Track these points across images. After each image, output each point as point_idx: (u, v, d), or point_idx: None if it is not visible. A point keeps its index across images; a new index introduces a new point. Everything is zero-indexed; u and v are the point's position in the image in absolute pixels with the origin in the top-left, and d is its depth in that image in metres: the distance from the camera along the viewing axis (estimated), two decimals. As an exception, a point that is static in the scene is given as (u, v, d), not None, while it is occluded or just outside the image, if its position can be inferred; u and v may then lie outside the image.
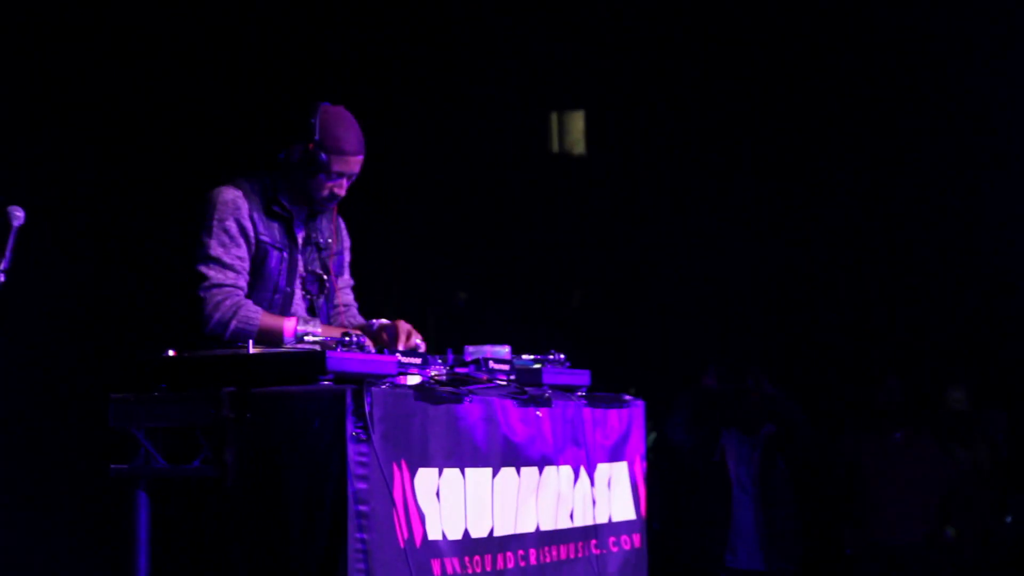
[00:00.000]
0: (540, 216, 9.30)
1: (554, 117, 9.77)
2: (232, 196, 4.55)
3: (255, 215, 4.57)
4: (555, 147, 9.76)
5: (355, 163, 4.62)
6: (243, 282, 4.53)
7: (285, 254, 4.64)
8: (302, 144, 4.58)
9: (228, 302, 4.45)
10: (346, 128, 4.61)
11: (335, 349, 4.03)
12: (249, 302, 4.50)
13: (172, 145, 7.62)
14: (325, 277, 4.77)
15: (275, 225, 4.63)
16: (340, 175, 4.61)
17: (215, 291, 4.46)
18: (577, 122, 9.79)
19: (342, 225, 4.89)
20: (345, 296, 4.92)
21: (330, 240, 4.79)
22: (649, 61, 9.21)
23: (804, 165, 9.13)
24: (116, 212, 7.43)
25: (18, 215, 4.25)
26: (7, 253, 4.19)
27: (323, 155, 4.56)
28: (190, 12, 7.72)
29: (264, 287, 4.60)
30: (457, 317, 9.33)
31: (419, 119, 8.94)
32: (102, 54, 7.44)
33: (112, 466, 4.21)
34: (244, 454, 3.99)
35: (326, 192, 4.62)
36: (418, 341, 4.69)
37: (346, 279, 4.93)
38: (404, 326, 4.68)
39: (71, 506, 7.17)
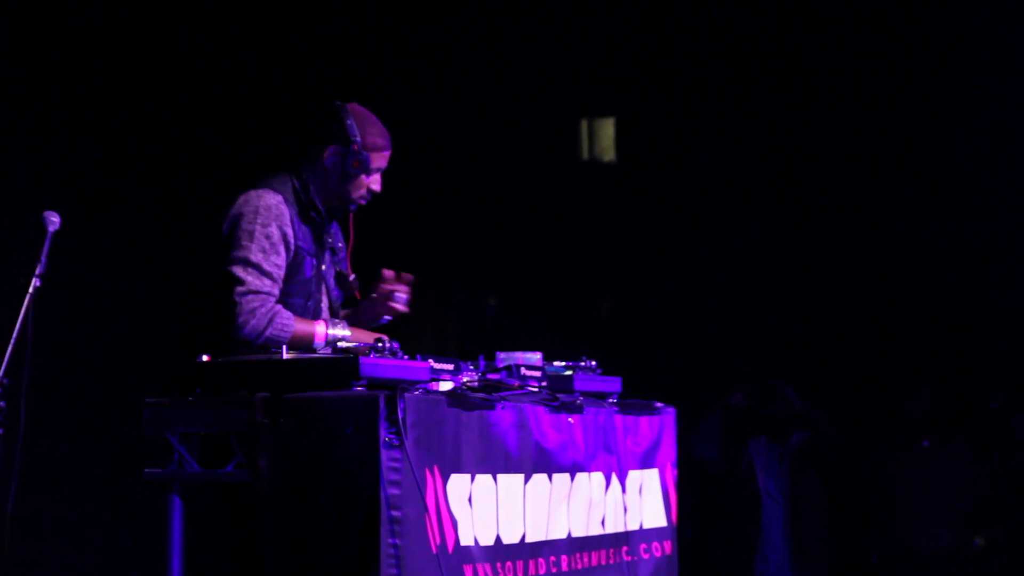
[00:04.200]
0: (570, 223, 9.30)
1: (584, 124, 9.77)
2: (275, 201, 4.54)
3: (295, 221, 4.59)
4: (585, 154, 9.76)
5: (388, 156, 4.70)
6: (277, 290, 4.52)
7: (315, 260, 4.67)
8: (339, 146, 4.61)
9: (263, 309, 4.45)
10: (376, 124, 4.69)
11: (368, 355, 4.04)
12: (283, 309, 4.50)
13: (203, 148, 7.66)
14: (352, 278, 4.81)
15: (308, 230, 4.65)
16: (378, 170, 4.67)
17: (251, 297, 4.44)
18: (607, 129, 9.78)
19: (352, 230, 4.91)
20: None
21: (340, 244, 4.83)
22: (680, 68, 9.20)
23: (837, 175, 9.10)
24: (152, 216, 7.47)
25: (53, 220, 4.28)
26: (43, 258, 4.22)
27: (365, 154, 4.60)
28: (213, 22, 7.77)
29: (299, 293, 4.60)
30: (487, 323, 9.34)
31: (449, 125, 8.96)
32: (131, 62, 7.49)
33: (146, 470, 4.23)
34: (277, 459, 4.01)
35: (364, 191, 4.67)
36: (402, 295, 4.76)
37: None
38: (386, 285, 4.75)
39: (106, 510, 7.21)
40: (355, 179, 4.63)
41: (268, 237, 4.51)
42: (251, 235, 4.49)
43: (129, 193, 7.44)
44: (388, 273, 4.81)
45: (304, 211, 4.62)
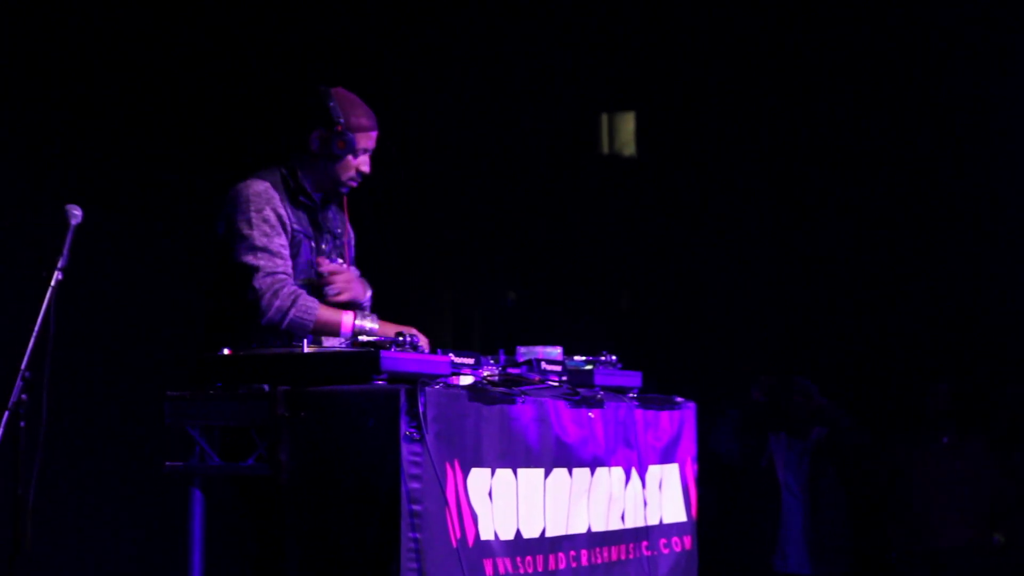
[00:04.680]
0: (590, 217, 9.29)
1: (604, 118, 9.76)
2: (263, 187, 4.55)
3: (286, 204, 4.59)
4: (605, 148, 9.75)
5: (375, 137, 4.71)
6: (290, 268, 4.53)
7: (313, 244, 4.67)
8: (324, 129, 4.61)
9: (285, 290, 4.44)
10: (360, 105, 4.69)
11: (389, 349, 4.04)
12: (305, 293, 4.50)
13: (223, 145, 7.69)
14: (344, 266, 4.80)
15: (302, 214, 4.65)
16: (365, 151, 4.68)
17: (269, 279, 4.44)
18: (628, 123, 9.77)
19: (346, 217, 4.92)
20: None
21: (340, 230, 4.83)
22: (701, 62, 9.19)
23: (842, 172, 9.07)
24: (173, 210, 7.49)
25: (76, 214, 4.29)
26: (65, 252, 4.23)
27: (350, 135, 4.61)
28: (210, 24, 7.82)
29: (297, 278, 4.60)
30: (507, 318, 9.34)
31: (469, 120, 8.96)
32: (150, 58, 7.53)
33: (167, 463, 4.24)
34: (298, 453, 4.01)
35: (353, 172, 4.67)
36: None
37: (355, 270, 4.94)
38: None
39: (127, 503, 7.23)
40: (342, 160, 4.64)
41: (266, 220, 4.51)
42: (249, 222, 4.49)
43: (151, 187, 7.46)
44: None
45: (294, 196, 4.63)
